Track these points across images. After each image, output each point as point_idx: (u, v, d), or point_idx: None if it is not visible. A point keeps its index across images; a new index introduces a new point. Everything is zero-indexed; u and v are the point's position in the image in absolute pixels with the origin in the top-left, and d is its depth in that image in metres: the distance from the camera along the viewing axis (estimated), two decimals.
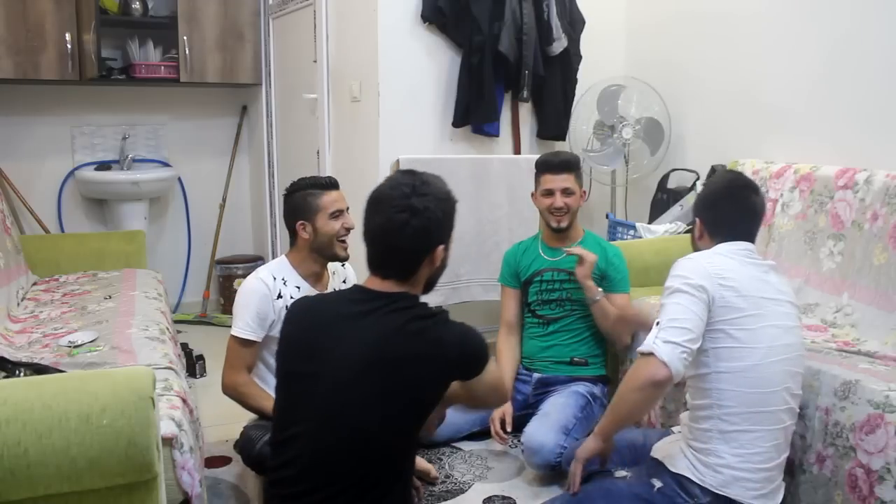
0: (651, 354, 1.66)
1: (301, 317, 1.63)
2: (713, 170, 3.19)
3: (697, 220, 1.92)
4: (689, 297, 1.69)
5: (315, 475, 1.50)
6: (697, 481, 1.72)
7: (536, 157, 2.73)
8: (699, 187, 2.07)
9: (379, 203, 1.56)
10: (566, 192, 2.53)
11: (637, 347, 1.77)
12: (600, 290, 2.48)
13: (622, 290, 2.57)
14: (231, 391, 2.19)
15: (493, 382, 1.68)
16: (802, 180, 2.66)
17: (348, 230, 2.20)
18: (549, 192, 2.54)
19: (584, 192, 2.63)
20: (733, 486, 1.70)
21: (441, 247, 1.58)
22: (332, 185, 2.24)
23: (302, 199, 2.21)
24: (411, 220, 1.51)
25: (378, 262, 1.58)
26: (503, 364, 2.62)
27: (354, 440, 1.48)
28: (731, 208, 1.87)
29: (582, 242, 2.60)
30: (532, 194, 2.66)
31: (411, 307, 1.55)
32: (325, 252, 2.23)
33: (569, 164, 2.57)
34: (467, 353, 1.57)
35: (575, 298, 2.55)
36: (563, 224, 2.55)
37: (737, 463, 1.70)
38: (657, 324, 1.70)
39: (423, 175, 1.58)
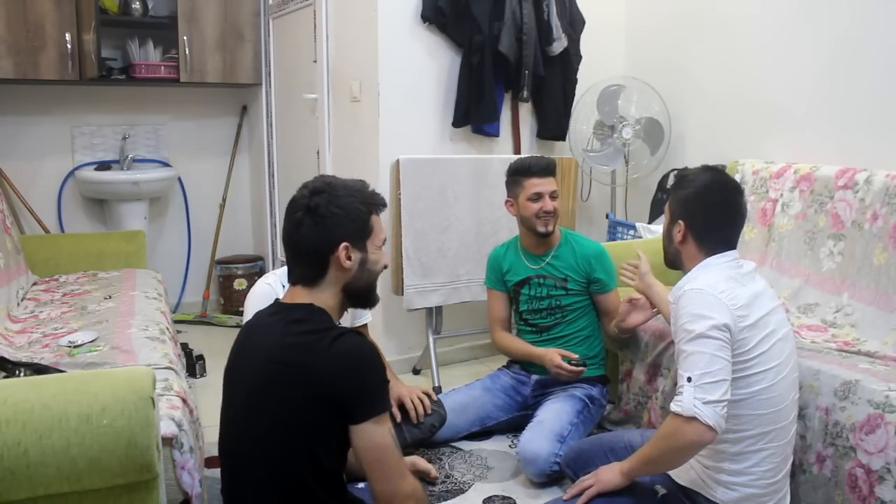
0: (694, 419, 1.57)
1: (238, 338, 1.63)
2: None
3: (682, 222, 1.80)
4: (716, 342, 1.61)
5: (242, 489, 1.52)
6: (707, 495, 1.72)
7: None
8: (672, 179, 1.93)
9: (286, 211, 1.56)
10: (553, 195, 2.49)
11: (669, 403, 1.66)
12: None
13: (612, 288, 2.53)
14: None
15: (382, 452, 1.43)
16: (802, 180, 2.66)
17: None
18: (538, 196, 2.48)
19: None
20: (745, 502, 1.69)
21: (343, 244, 1.51)
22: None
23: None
24: (304, 217, 1.51)
25: (290, 268, 1.57)
26: (511, 343, 2.57)
27: (253, 458, 1.47)
28: (722, 214, 1.79)
29: (560, 247, 2.55)
30: (508, 202, 2.57)
31: (308, 319, 1.49)
32: None
33: (552, 168, 2.52)
34: (345, 371, 1.41)
35: (564, 304, 2.52)
36: (552, 228, 2.51)
37: (749, 481, 1.68)
38: (688, 379, 1.61)
39: (331, 178, 1.59)
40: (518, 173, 2.53)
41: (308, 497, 1.46)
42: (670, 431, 1.63)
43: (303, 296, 1.53)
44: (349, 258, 1.52)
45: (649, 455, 1.72)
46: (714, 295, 1.65)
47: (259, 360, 1.48)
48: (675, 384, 1.68)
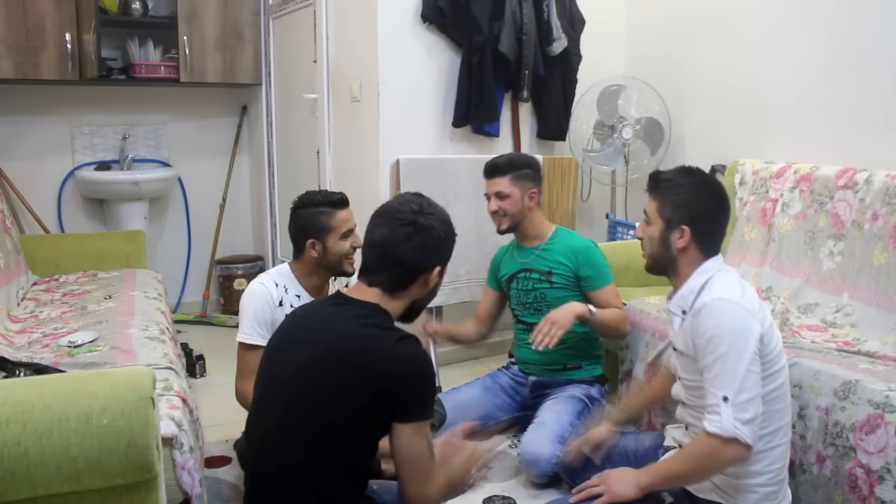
0: (734, 439, 1.56)
1: (286, 322, 1.65)
2: (713, 170, 3.19)
3: (686, 228, 1.73)
4: (749, 356, 1.58)
5: (269, 468, 1.52)
6: (725, 502, 1.71)
7: (537, 157, 2.69)
8: (671, 187, 1.79)
9: (385, 216, 1.57)
10: (498, 195, 2.47)
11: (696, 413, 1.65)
12: (590, 307, 2.36)
13: (602, 284, 2.47)
14: (243, 399, 2.16)
15: (417, 455, 1.46)
16: (802, 180, 2.66)
17: (356, 249, 2.17)
18: (487, 197, 2.51)
19: (535, 193, 2.49)
20: (764, 501, 1.69)
21: (438, 269, 1.58)
22: (343, 202, 2.21)
23: (314, 217, 2.18)
24: (415, 234, 1.53)
25: (371, 269, 1.57)
26: (460, 326, 2.63)
27: (289, 435, 1.49)
28: (723, 217, 1.78)
29: (550, 241, 2.52)
30: None
31: (374, 316, 1.52)
32: (332, 269, 2.23)
33: (497, 168, 2.49)
34: (404, 375, 1.45)
35: (550, 300, 2.48)
36: (503, 227, 2.51)
37: (767, 480, 1.68)
38: (724, 399, 1.57)
39: (431, 200, 1.62)
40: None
41: (333, 482, 1.47)
42: (707, 451, 1.61)
43: (373, 297, 1.55)
44: (434, 280, 1.59)
45: (676, 472, 1.70)
46: (738, 303, 1.63)
47: (316, 343, 1.50)
48: (679, 383, 1.67)
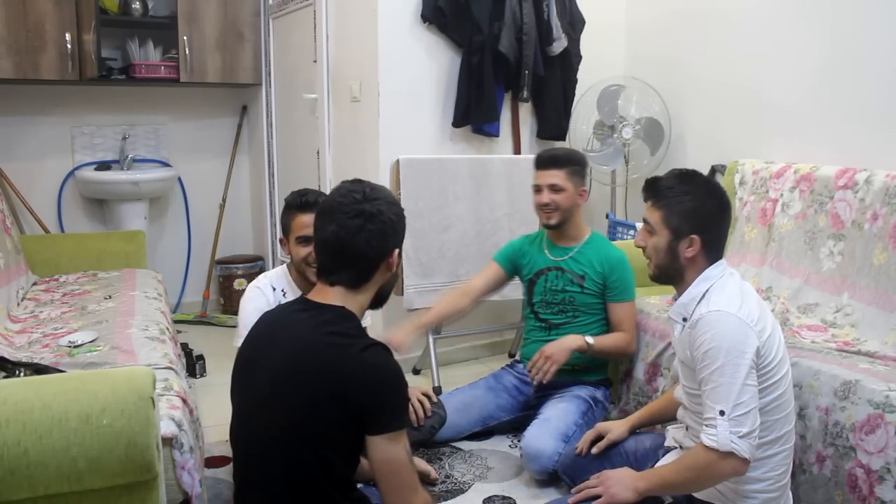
0: (731, 454, 1.57)
1: (255, 332, 1.62)
2: (713, 170, 3.19)
3: (696, 237, 1.71)
4: (745, 370, 1.58)
5: (253, 478, 1.51)
6: None
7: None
8: (674, 195, 1.74)
9: (330, 212, 1.52)
10: (553, 188, 2.43)
11: (699, 437, 1.63)
12: (585, 337, 2.38)
13: (624, 299, 2.47)
14: None
15: (396, 467, 1.44)
16: (802, 180, 2.66)
17: (311, 262, 2.05)
18: (538, 189, 2.47)
19: (584, 190, 2.50)
20: None
21: (396, 251, 1.56)
22: (305, 206, 2.08)
23: (283, 214, 2.14)
24: (366, 224, 1.49)
25: (330, 269, 1.54)
26: (446, 299, 2.54)
27: (267, 450, 1.47)
28: (728, 225, 1.78)
29: (586, 245, 2.51)
30: None
31: (338, 322, 1.49)
32: (301, 272, 2.14)
33: (556, 160, 2.46)
34: (371, 383, 1.42)
35: (578, 304, 2.48)
36: (552, 221, 2.47)
37: (766, 486, 1.68)
38: (721, 413, 1.57)
39: (370, 182, 1.58)
40: (534, 165, 2.53)
41: (317, 492, 1.46)
42: (703, 464, 1.61)
43: (336, 297, 1.53)
44: (396, 262, 1.57)
45: (674, 481, 1.70)
46: (735, 315, 1.62)
47: (284, 355, 1.48)
48: (675, 382, 1.67)
